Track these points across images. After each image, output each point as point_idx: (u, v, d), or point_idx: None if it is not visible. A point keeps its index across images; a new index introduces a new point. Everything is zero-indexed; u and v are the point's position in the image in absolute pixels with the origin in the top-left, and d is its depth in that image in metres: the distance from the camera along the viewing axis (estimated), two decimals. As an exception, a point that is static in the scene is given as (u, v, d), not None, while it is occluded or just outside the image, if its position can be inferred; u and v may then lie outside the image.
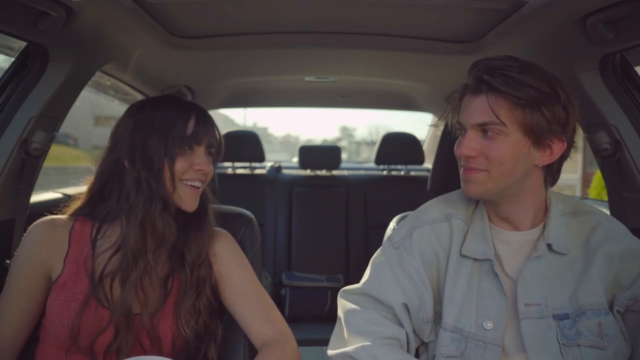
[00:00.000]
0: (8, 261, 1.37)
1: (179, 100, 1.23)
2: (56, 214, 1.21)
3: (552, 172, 1.08)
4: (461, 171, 1.08)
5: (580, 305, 1.03)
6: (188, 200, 1.17)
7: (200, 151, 1.17)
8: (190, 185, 1.16)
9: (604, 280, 1.04)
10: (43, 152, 1.52)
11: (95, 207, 1.19)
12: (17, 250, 1.17)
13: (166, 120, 1.16)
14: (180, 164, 1.15)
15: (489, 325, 1.03)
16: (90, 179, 1.21)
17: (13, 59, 1.45)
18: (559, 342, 1.01)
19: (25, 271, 1.13)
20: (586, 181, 9.63)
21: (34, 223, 1.18)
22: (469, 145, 1.03)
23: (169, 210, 1.16)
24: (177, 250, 1.18)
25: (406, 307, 1.08)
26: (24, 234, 1.17)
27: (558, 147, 1.02)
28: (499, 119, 0.99)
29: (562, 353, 1.00)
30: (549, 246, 1.06)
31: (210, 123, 1.20)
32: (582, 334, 1.01)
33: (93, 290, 1.11)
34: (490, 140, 1.02)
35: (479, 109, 1.02)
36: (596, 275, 1.04)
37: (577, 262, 1.06)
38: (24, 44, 1.40)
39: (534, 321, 1.02)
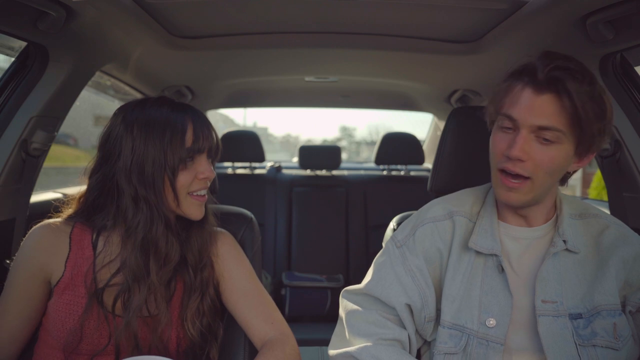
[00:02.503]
0: (8, 261, 1.37)
1: (173, 104, 1.14)
2: (52, 216, 1.19)
3: (568, 175, 1.07)
4: (498, 174, 1.02)
5: (596, 305, 1.03)
6: (195, 211, 1.14)
7: (202, 159, 1.13)
8: (197, 195, 1.13)
9: (618, 282, 1.05)
10: (43, 152, 1.52)
11: (91, 216, 1.15)
12: (15, 254, 1.15)
13: (161, 130, 1.08)
14: (184, 178, 1.10)
15: (491, 322, 1.03)
16: (82, 189, 1.17)
17: (13, 59, 1.45)
18: (575, 342, 1.00)
19: (25, 276, 1.12)
20: (586, 181, 9.62)
21: (33, 228, 1.15)
22: (523, 147, 0.96)
23: (170, 227, 1.13)
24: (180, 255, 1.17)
25: (409, 308, 1.08)
26: (24, 239, 1.15)
27: (590, 156, 1.02)
28: (562, 126, 0.94)
29: (579, 353, 1.00)
30: (564, 242, 1.06)
31: (208, 126, 1.15)
32: (598, 334, 1.01)
33: (94, 297, 1.09)
34: (543, 146, 0.96)
35: (544, 110, 0.94)
36: (613, 276, 1.04)
37: (589, 262, 1.06)
38: (24, 44, 1.40)
39: (551, 319, 1.02)
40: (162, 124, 1.09)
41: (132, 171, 1.08)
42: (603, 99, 0.97)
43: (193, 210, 1.14)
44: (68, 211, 1.18)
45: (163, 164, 1.08)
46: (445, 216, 1.13)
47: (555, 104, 0.94)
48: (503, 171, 1.01)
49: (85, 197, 1.16)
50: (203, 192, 1.15)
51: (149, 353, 1.12)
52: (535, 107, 0.95)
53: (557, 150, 0.96)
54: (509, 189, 1.01)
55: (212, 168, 1.17)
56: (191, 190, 1.13)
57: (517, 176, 0.99)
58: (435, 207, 1.15)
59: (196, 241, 1.18)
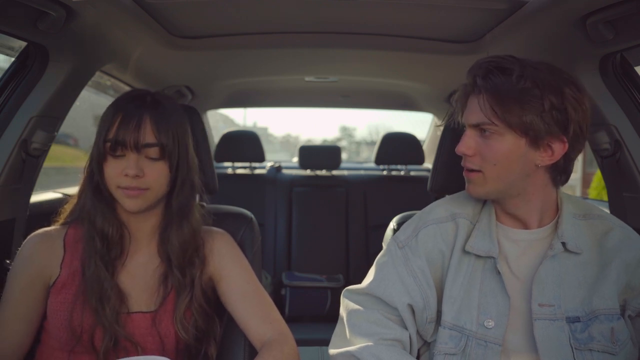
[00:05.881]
0: (8, 261, 1.37)
1: (127, 97, 1.15)
2: (55, 217, 1.21)
3: (558, 172, 1.06)
4: (464, 171, 1.09)
5: (594, 309, 1.03)
6: (126, 203, 1.11)
7: (129, 154, 1.09)
8: (125, 189, 1.10)
9: (618, 285, 1.04)
10: (43, 152, 1.52)
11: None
12: (13, 263, 1.17)
13: (101, 121, 1.11)
14: (109, 169, 1.10)
15: (490, 323, 1.03)
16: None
17: (13, 59, 1.45)
18: (571, 346, 1.00)
19: (23, 284, 1.13)
20: (586, 181, 9.62)
21: (28, 237, 1.17)
22: (466, 143, 1.05)
23: (116, 216, 1.15)
24: (165, 253, 1.17)
25: (411, 308, 1.08)
26: (19, 249, 1.17)
27: (559, 148, 1.01)
28: (490, 119, 1.00)
29: (574, 357, 1.00)
30: (563, 245, 1.05)
31: (139, 121, 1.09)
32: (594, 339, 1.01)
33: (80, 293, 1.11)
34: (486, 139, 1.03)
35: (474, 109, 1.03)
36: (613, 280, 1.04)
37: (591, 264, 1.06)
38: (24, 44, 1.40)
39: (547, 323, 1.01)
40: (103, 116, 1.12)
41: (87, 164, 1.15)
42: (529, 88, 0.98)
43: (124, 202, 1.12)
44: (64, 213, 1.20)
45: (96, 154, 1.12)
46: (448, 218, 1.13)
47: (479, 101, 1.02)
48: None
49: (78, 196, 1.19)
50: (132, 190, 1.10)
51: (147, 350, 1.13)
52: (468, 108, 1.05)
53: (499, 142, 1.01)
54: (468, 181, 1.09)
55: (141, 167, 1.09)
56: (119, 185, 1.10)
57: (472, 170, 1.06)
58: (438, 209, 1.15)
59: (176, 240, 1.17)
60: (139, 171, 1.09)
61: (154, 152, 1.11)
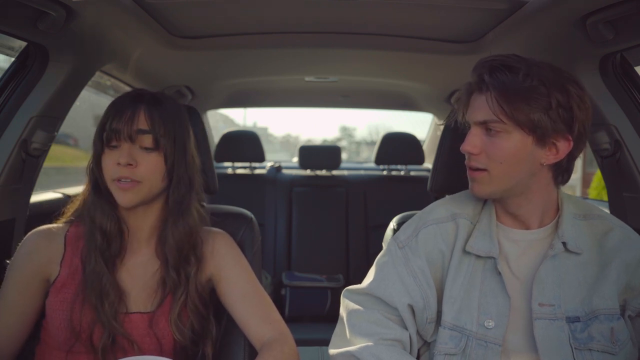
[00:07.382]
0: (8, 261, 1.37)
1: (126, 95, 1.17)
2: (56, 216, 1.21)
3: (561, 171, 1.07)
4: (467, 170, 1.08)
5: (594, 309, 1.03)
6: (119, 197, 1.11)
7: (124, 145, 1.10)
8: (119, 182, 1.10)
9: (618, 285, 1.04)
10: (43, 152, 1.52)
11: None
12: (12, 257, 1.17)
13: (100, 119, 1.13)
14: (105, 162, 1.11)
15: (490, 324, 1.03)
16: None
17: (13, 59, 1.45)
18: (571, 346, 1.00)
19: (22, 277, 1.14)
20: (586, 181, 9.62)
21: (30, 232, 1.18)
22: (471, 141, 1.04)
23: (116, 213, 1.15)
24: (163, 252, 1.17)
25: (411, 308, 1.08)
26: (19, 244, 1.17)
27: (564, 146, 1.01)
28: (498, 117, 0.99)
29: (574, 357, 1.00)
30: (564, 245, 1.05)
31: (133, 110, 1.10)
32: (594, 339, 1.01)
33: (81, 293, 1.12)
34: (492, 138, 1.02)
35: (480, 107, 1.02)
36: (613, 280, 1.04)
37: (591, 264, 1.06)
38: (24, 44, 1.40)
39: (547, 322, 1.02)
40: (104, 111, 1.13)
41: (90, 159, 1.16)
42: (536, 86, 0.98)
43: (117, 196, 1.12)
44: (69, 210, 1.21)
45: (94, 148, 1.13)
46: (448, 218, 1.13)
47: (487, 99, 1.01)
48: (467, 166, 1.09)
49: (82, 195, 1.19)
50: (124, 180, 1.10)
51: (144, 350, 1.13)
52: (473, 106, 1.04)
53: (506, 140, 1.01)
54: (472, 180, 1.07)
55: (135, 157, 1.09)
56: (113, 177, 1.10)
57: (477, 169, 1.05)
58: (439, 209, 1.15)
59: (172, 237, 1.16)
60: (131, 160, 1.09)
61: (147, 140, 1.10)
